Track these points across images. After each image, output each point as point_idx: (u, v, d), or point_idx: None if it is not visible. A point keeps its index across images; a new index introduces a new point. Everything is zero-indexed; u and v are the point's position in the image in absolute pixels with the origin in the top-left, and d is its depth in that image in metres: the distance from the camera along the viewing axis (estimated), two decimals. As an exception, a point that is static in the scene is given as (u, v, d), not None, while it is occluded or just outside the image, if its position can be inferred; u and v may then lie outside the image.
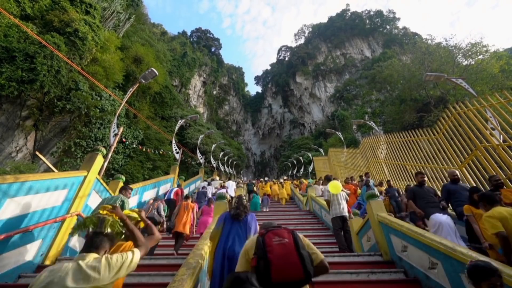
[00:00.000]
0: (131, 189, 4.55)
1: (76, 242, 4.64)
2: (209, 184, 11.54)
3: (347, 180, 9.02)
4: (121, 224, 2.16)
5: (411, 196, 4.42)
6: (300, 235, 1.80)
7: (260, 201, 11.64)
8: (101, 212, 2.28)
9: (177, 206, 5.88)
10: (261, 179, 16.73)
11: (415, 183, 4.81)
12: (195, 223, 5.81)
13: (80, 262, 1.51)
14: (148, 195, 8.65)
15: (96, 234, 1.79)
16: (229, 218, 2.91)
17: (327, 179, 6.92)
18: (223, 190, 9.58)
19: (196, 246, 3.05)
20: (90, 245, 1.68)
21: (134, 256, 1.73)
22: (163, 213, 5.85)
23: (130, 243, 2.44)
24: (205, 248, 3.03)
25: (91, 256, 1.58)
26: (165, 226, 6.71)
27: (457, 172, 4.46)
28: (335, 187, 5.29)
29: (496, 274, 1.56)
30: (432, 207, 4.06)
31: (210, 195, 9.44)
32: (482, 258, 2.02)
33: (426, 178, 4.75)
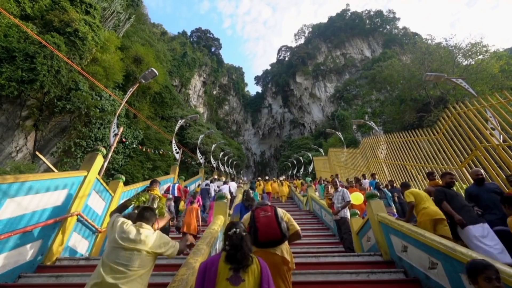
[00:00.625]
0: (159, 182, 5.11)
1: (76, 242, 4.64)
2: (211, 182, 11.70)
3: (351, 183, 7.91)
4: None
5: (443, 197, 3.53)
6: (283, 211, 2.59)
7: (258, 197, 11.78)
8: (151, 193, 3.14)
9: (184, 209, 6.36)
10: (259, 179, 16.46)
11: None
12: (200, 222, 6.12)
13: (140, 229, 2.00)
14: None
15: (146, 208, 2.23)
16: (244, 208, 3.81)
17: (336, 181, 6.65)
18: (225, 187, 9.90)
19: (196, 246, 3.05)
20: (142, 217, 2.11)
21: (175, 247, 2.14)
22: (173, 210, 6.60)
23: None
24: (204, 246, 3.04)
25: (146, 226, 2.05)
26: (174, 221, 7.03)
27: (481, 171, 3.75)
28: (357, 198, 5.73)
29: (491, 268, 1.60)
30: (467, 212, 3.29)
31: (213, 193, 9.86)
32: (483, 257, 2.02)
33: (454, 180, 3.93)
